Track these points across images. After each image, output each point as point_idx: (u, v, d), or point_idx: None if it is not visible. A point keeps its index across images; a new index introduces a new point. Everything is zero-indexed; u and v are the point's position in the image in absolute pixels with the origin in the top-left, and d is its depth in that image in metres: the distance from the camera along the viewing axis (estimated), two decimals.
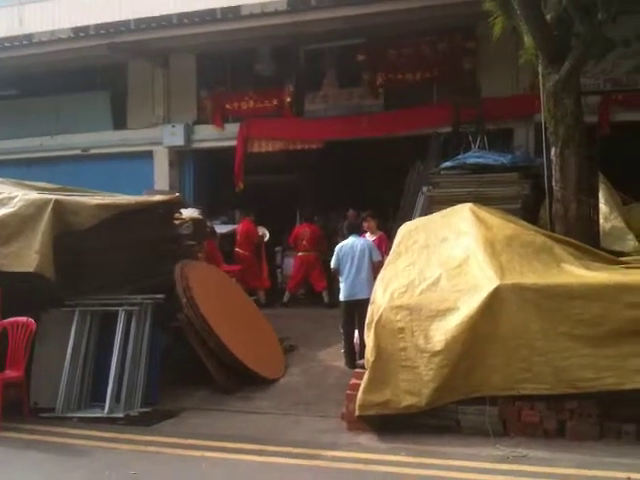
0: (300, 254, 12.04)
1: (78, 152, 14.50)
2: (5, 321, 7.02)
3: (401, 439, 5.86)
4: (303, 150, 13.08)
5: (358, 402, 6.12)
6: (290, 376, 8.12)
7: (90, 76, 14.38)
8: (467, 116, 11.14)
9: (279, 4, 11.68)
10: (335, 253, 8.41)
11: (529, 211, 8.62)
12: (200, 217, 10.55)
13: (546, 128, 7.77)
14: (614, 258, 7.16)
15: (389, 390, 6.08)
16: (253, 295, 11.02)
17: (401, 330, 6.23)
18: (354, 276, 8.17)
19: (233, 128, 13.40)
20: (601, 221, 8.13)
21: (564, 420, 5.81)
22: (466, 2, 9.87)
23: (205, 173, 14.14)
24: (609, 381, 5.72)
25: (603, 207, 8.38)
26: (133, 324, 7.36)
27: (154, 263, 8.45)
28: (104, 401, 7.03)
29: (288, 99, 13.08)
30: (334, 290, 9.70)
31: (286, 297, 12.17)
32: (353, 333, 8.07)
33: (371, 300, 6.77)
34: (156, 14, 12.61)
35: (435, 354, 6.01)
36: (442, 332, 6.07)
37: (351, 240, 8.40)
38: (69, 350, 7.21)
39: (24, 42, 13.44)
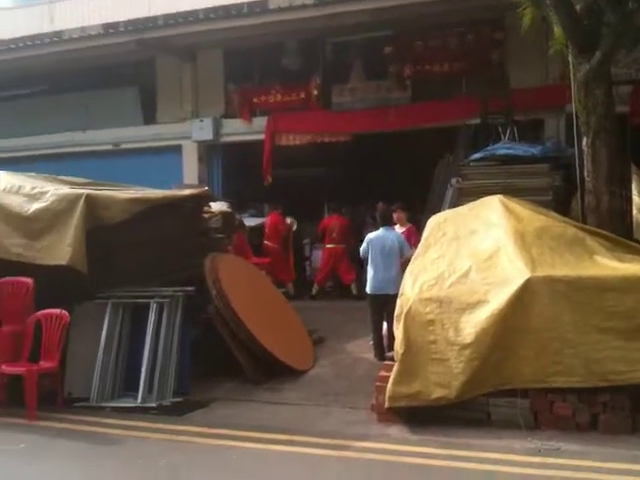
0: (328, 246, 12.08)
1: (108, 147, 14.69)
2: (39, 313, 7.14)
3: (431, 431, 5.87)
4: (331, 143, 13.08)
5: (388, 394, 6.13)
6: (319, 368, 8.15)
7: (119, 72, 14.52)
8: (496, 107, 11.02)
9: None
10: (365, 242, 8.38)
11: (560, 203, 8.53)
12: (229, 210, 10.61)
13: (577, 118, 7.67)
14: None
15: (419, 382, 6.08)
16: (282, 287, 11.08)
17: (431, 322, 6.22)
18: (383, 270, 8.12)
19: (261, 122, 13.46)
20: (634, 212, 7.99)
21: (597, 413, 5.76)
22: None
23: (233, 167, 14.21)
24: None
25: (636, 198, 8.23)
26: (164, 316, 7.44)
27: (184, 256, 8.52)
28: (137, 391, 7.14)
29: (315, 92, 13.08)
30: (362, 282, 9.69)
31: (314, 289, 12.21)
32: (382, 325, 8.07)
33: (400, 292, 6.76)
34: (183, 9, 12.69)
35: (465, 347, 5.99)
36: (472, 325, 6.05)
37: (382, 232, 8.35)
38: (102, 341, 7.33)
39: (55, 39, 13.63)
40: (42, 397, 6.76)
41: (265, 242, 12.12)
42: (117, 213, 7.55)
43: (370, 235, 8.45)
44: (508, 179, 8.77)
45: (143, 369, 7.20)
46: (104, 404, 7.10)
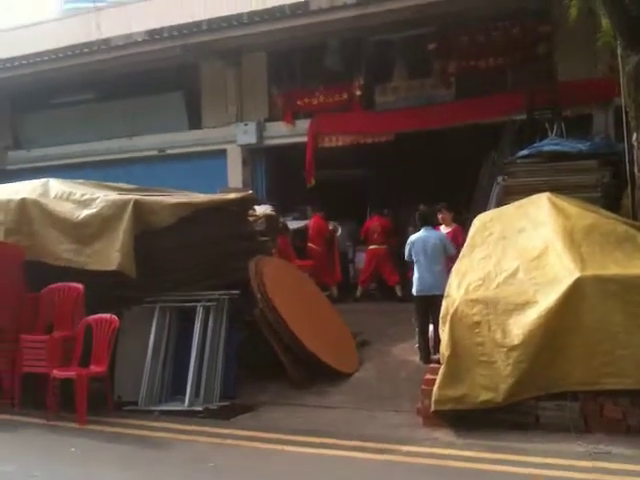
0: (371, 247, 12.05)
1: (154, 153, 14.92)
2: (89, 318, 7.28)
3: (478, 435, 5.77)
4: (374, 144, 13.01)
5: (434, 397, 6.06)
6: (364, 371, 8.11)
7: (164, 77, 14.74)
8: (543, 102, 10.80)
9: None
10: (407, 246, 8.31)
11: (610, 199, 8.31)
12: (273, 213, 10.66)
13: (626, 112, 7.47)
14: None
15: (465, 385, 5.99)
16: (326, 290, 11.08)
17: (477, 324, 6.13)
18: (427, 271, 8.05)
19: (303, 124, 13.49)
20: None
21: None
22: None
23: (277, 170, 14.28)
24: None
25: None
26: (211, 319, 7.52)
27: (229, 259, 8.58)
28: (184, 395, 7.22)
29: (358, 92, 13.05)
30: (407, 284, 9.62)
31: (358, 292, 12.18)
32: (427, 327, 7.98)
33: (445, 294, 6.69)
34: (227, 13, 12.81)
35: (513, 348, 5.89)
36: (520, 326, 5.95)
37: (423, 233, 8.27)
38: (150, 345, 7.44)
39: (102, 47, 13.91)
40: (92, 401, 6.89)
41: (309, 245, 12.13)
42: (164, 218, 7.67)
43: (411, 237, 8.37)
44: (555, 176, 8.61)
45: (190, 373, 7.28)
46: (152, 408, 7.20)
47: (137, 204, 7.55)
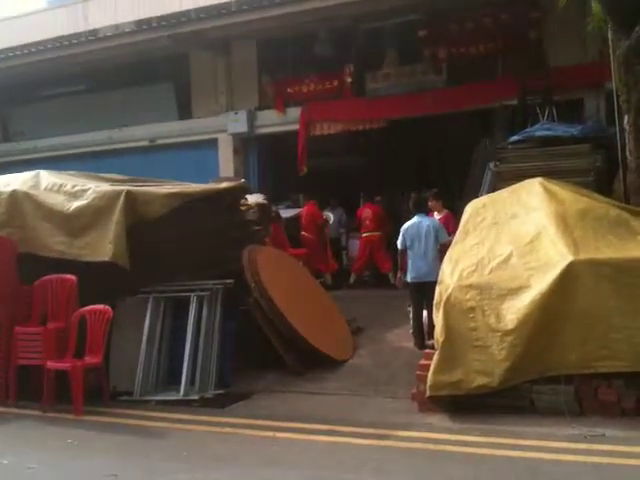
0: (364, 235, 12.06)
1: (145, 143, 14.83)
2: (83, 309, 7.26)
3: (473, 419, 5.81)
4: (365, 131, 12.98)
5: (429, 382, 6.09)
6: (359, 357, 8.14)
7: (154, 68, 14.63)
8: (534, 88, 10.80)
9: None
10: (401, 234, 8.30)
11: (603, 183, 8.33)
12: (265, 202, 10.63)
13: (618, 96, 7.48)
14: None
15: (460, 370, 6.02)
16: (319, 277, 11.09)
17: (471, 309, 6.16)
18: (421, 257, 8.05)
19: (295, 112, 13.42)
20: None
21: None
22: None
23: (269, 158, 14.23)
24: None
25: None
26: (205, 309, 7.54)
27: (222, 249, 8.56)
28: (179, 384, 7.24)
29: (349, 79, 12.97)
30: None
31: (352, 279, 12.19)
32: (422, 313, 8.00)
33: (439, 280, 6.71)
34: (215, 2, 12.71)
35: (507, 333, 5.93)
36: (514, 311, 5.98)
37: (417, 220, 8.26)
38: (145, 335, 7.45)
39: (90, 38, 13.78)
40: (88, 392, 6.89)
41: (302, 233, 12.12)
42: (157, 208, 7.64)
43: (405, 225, 8.35)
44: (548, 161, 8.61)
45: (185, 362, 7.29)
46: (148, 397, 7.22)
47: (129, 195, 7.51)
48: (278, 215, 11.45)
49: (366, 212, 12.11)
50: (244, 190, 9.69)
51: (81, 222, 7.57)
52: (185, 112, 14.67)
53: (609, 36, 7.52)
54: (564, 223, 6.49)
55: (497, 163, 9.31)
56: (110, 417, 6.67)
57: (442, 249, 7.77)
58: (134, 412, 6.80)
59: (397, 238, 8.42)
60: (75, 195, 7.78)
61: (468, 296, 6.22)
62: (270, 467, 5.19)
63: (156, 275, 7.76)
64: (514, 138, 9.38)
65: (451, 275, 6.55)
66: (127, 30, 13.40)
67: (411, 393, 6.47)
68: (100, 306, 7.19)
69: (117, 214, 7.37)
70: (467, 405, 5.98)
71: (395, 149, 13.33)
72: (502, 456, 5.07)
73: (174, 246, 7.97)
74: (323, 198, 12.69)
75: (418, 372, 6.38)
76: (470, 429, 5.63)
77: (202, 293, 7.59)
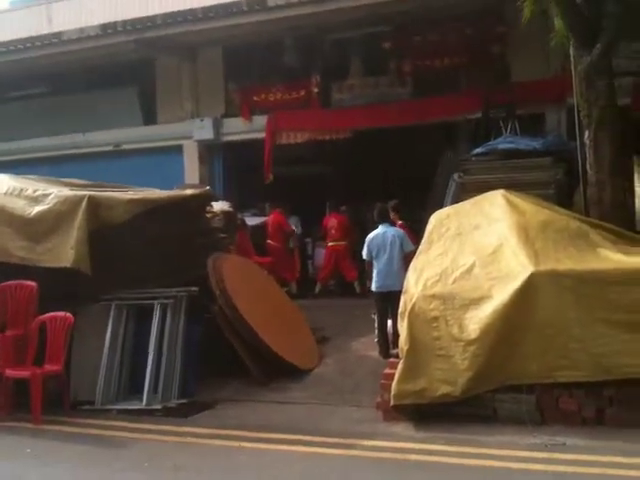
0: (330, 244, 12.08)
1: (109, 148, 14.62)
2: (44, 316, 7.14)
3: (437, 428, 5.86)
4: (332, 141, 13.02)
5: (393, 391, 6.12)
6: (324, 366, 8.13)
7: (119, 72, 14.43)
8: (498, 101, 10.98)
9: None
10: (366, 244, 8.33)
11: (563, 196, 8.49)
12: (231, 210, 10.60)
13: (579, 111, 7.64)
14: None
15: (424, 379, 6.07)
16: (285, 286, 11.07)
17: (435, 319, 6.22)
18: (386, 267, 8.07)
19: (261, 120, 13.39)
20: (636, 204, 7.98)
21: (603, 407, 5.75)
22: None
23: (235, 166, 14.15)
24: None
25: (638, 190, 8.22)
26: (168, 317, 7.45)
27: (187, 256, 8.50)
28: (142, 393, 7.14)
29: (315, 89, 13.00)
30: (365, 280, 9.66)
31: (317, 288, 12.20)
32: (386, 323, 8.04)
33: (404, 289, 6.75)
34: (182, 8, 12.64)
35: (470, 343, 5.99)
36: (476, 321, 6.05)
37: (381, 230, 8.30)
38: (106, 343, 7.33)
39: (53, 40, 13.57)
40: (48, 401, 6.77)
41: (268, 241, 12.10)
42: (120, 214, 7.55)
43: (369, 235, 8.38)
44: (510, 173, 8.72)
45: (147, 371, 7.20)
46: (110, 407, 7.11)
47: (91, 200, 7.42)
48: (244, 223, 11.41)
49: (332, 221, 12.15)
50: (209, 197, 9.65)
51: (42, 227, 7.44)
52: (150, 117, 14.51)
53: (571, 52, 7.68)
54: (525, 234, 6.60)
55: (461, 174, 9.41)
56: (71, 426, 6.56)
57: (406, 259, 7.83)
58: (95, 422, 6.69)
59: (362, 248, 8.46)
60: (36, 200, 7.66)
61: (432, 306, 6.27)
62: (232, 478, 5.15)
63: (120, 281, 7.66)
64: (477, 150, 9.49)
65: (416, 285, 6.60)
66: (92, 34, 13.22)
67: (376, 402, 6.49)
68: (61, 313, 7.08)
69: (79, 219, 7.27)
70: (431, 414, 6.03)
71: (361, 159, 13.39)
72: (465, 465, 5.13)
73: (138, 252, 7.88)
74: (289, 206, 12.68)
75: (383, 381, 6.42)
76: (434, 438, 5.67)
77: (166, 301, 7.50)
